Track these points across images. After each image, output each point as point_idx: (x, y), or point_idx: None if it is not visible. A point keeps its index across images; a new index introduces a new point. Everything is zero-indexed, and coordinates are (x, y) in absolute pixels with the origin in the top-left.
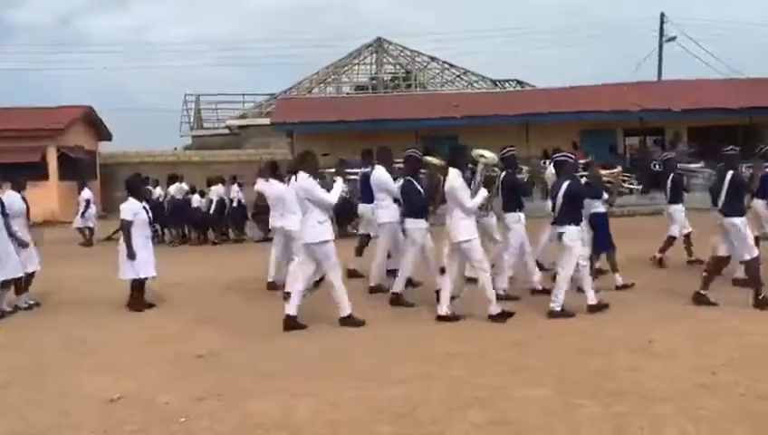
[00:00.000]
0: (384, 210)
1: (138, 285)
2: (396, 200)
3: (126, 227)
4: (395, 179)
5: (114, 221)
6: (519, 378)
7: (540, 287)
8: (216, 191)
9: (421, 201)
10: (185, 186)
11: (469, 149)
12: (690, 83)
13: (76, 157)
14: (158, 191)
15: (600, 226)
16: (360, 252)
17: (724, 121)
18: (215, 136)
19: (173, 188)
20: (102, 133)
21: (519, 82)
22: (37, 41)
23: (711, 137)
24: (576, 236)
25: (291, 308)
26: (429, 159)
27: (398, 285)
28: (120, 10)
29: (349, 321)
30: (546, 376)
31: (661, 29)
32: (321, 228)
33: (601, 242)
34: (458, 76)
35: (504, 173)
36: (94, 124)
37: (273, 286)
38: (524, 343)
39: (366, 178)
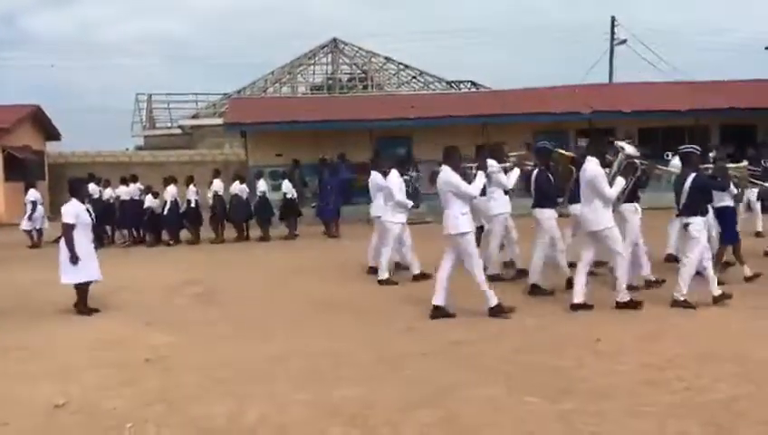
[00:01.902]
0: (496, 202)
1: (82, 290)
2: (506, 192)
3: (69, 230)
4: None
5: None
6: (469, 377)
7: (653, 278)
8: (171, 192)
9: (553, 191)
10: (139, 186)
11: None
12: (640, 86)
13: (23, 157)
14: (108, 192)
15: (728, 218)
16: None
17: (672, 123)
18: (167, 136)
19: (125, 189)
20: (51, 133)
21: (473, 84)
22: None
23: (660, 137)
24: (702, 227)
25: (437, 299)
26: (559, 150)
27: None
28: (67, 7)
29: (497, 310)
30: (496, 374)
31: (612, 33)
32: (463, 220)
33: (730, 235)
34: (414, 77)
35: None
36: (42, 124)
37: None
38: (475, 342)
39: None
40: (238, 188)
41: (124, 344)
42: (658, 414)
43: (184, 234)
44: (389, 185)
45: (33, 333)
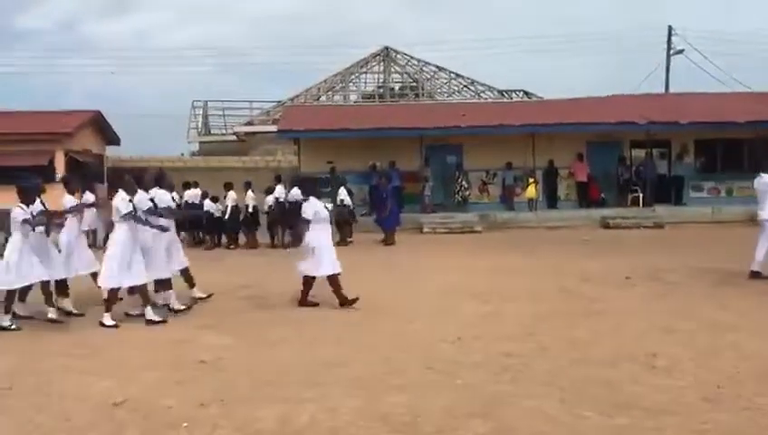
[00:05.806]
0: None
1: None
2: None
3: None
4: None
5: None
6: (522, 388)
7: None
8: (232, 197)
9: None
10: (198, 191)
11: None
12: (697, 96)
13: (84, 160)
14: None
15: None
16: None
17: (731, 134)
18: (222, 142)
19: (189, 193)
20: (110, 138)
21: (526, 93)
22: (41, 45)
23: (717, 149)
24: None
25: None
26: None
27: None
28: (124, 15)
29: None
30: (549, 387)
31: (669, 42)
32: None
33: None
34: (465, 86)
35: None
36: (102, 128)
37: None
38: (527, 354)
39: None
40: (295, 193)
41: (180, 345)
42: (718, 433)
43: (241, 238)
44: None
45: (93, 333)
